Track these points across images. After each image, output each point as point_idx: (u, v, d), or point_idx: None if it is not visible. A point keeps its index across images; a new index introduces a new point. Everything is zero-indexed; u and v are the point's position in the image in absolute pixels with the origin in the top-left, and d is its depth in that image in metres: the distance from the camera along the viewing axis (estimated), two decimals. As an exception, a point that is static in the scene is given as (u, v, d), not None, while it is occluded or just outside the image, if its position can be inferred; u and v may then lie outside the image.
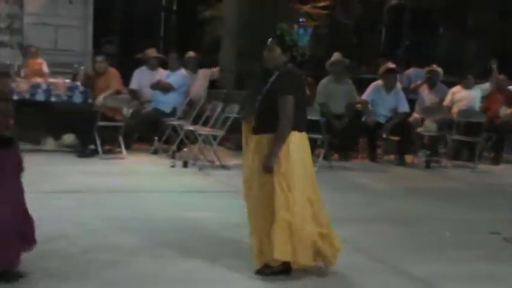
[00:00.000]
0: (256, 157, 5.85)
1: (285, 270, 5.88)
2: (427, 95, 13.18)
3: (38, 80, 12.26)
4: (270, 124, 5.76)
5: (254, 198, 5.92)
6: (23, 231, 5.57)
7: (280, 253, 5.72)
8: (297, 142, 5.84)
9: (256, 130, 5.93)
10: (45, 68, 13.01)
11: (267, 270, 5.87)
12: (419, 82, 13.80)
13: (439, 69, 13.36)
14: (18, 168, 5.67)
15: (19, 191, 5.63)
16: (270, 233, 5.73)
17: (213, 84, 13.89)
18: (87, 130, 11.45)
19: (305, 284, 5.84)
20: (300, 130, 5.87)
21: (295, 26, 15.74)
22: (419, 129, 12.82)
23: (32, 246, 5.61)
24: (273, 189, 5.73)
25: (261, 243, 5.86)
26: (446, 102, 13.38)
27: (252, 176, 5.94)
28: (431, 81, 13.24)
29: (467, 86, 13.38)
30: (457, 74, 14.42)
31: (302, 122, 5.93)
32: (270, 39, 6.00)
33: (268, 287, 5.75)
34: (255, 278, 5.83)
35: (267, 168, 5.70)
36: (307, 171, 5.95)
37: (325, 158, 11.53)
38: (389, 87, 12.68)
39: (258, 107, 5.97)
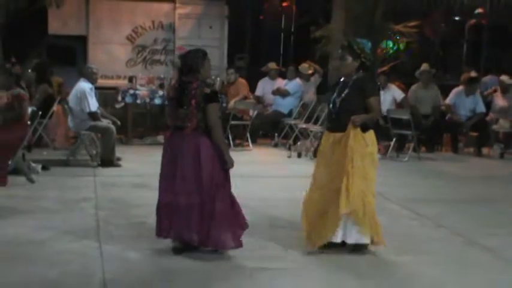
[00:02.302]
0: (337, 151, 5.62)
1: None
2: (500, 99, 12.82)
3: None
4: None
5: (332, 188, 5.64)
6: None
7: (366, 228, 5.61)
8: (364, 136, 5.60)
9: (336, 128, 5.70)
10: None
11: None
12: (491, 89, 13.50)
13: (506, 79, 12.93)
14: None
15: None
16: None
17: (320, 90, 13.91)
18: (222, 128, 11.64)
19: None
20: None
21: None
22: (495, 127, 12.55)
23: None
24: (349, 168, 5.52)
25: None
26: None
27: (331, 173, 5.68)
28: (503, 88, 12.87)
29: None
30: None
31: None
32: (339, 50, 5.83)
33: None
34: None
35: (355, 122, 5.48)
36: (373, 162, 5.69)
37: (414, 150, 11.42)
38: (470, 92, 12.47)
39: (339, 109, 5.68)
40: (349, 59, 5.70)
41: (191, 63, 5.55)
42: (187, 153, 5.43)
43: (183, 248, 5.57)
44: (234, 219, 5.56)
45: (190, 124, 5.43)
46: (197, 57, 5.59)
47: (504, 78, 12.84)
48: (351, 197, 5.46)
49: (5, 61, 11.34)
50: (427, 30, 16.54)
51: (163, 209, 5.56)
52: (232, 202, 5.58)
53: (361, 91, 5.65)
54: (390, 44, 5.65)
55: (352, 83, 5.70)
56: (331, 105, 5.78)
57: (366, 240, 5.65)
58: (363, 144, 5.56)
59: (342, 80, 5.85)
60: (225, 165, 5.50)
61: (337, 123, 5.69)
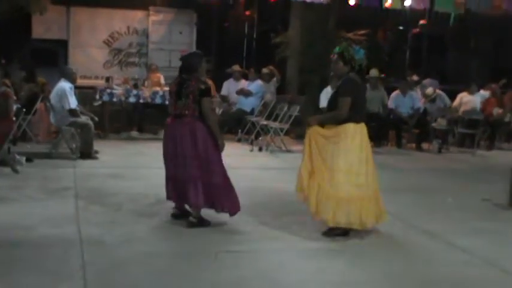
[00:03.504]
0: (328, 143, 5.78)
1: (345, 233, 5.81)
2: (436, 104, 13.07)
3: (157, 88, 12.53)
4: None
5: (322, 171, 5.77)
6: None
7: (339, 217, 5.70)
8: (352, 131, 5.72)
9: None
10: (162, 80, 13.21)
11: (331, 233, 5.81)
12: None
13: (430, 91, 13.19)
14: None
15: None
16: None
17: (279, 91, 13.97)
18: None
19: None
20: (356, 122, 5.75)
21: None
22: (434, 124, 12.72)
23: None
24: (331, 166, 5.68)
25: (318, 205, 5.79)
26: (455, 104, 13.25)
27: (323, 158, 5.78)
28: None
29: (471, 92, 13.25)
30: (462, 84, 14.25)
31: (358, 115, 5.78)
32: (334, 56, 5.92)
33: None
34: (316, 232, 5.90)
35: (309, 122, 5.87)
36: (364, 150, 5.81)
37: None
38: (405, 92, 12.64)
39: (329, 106, 5.98)
40: (341, 64, 5.88)
41: (191, 63, 6.00)
42: (186, 135, 5.83)
43: (180, 214, 6.10)
44: (230, 188, 5.99)
45: (188, 112, 5.83)
46: (196, 59, 6.05)
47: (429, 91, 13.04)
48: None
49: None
50: (380, 36, 16.71)
51: (168, 181, 6.09)
52: (225, 176, 5.99)
53: (339, 91, 5.85)
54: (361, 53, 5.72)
55: (339, 84, 5.93)
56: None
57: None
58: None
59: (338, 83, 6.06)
60: (220, 144, 5.94)
61: None
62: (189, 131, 5.83)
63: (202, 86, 5.87)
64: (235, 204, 5.99)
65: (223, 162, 6.03)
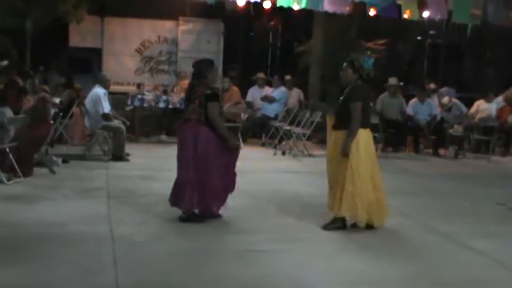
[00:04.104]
0: (336, 145, 5.90)
1: (343, 226, 5.96)
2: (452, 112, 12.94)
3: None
4: (345, 122, 5.83)
5: (333, 171, 5.98)
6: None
7: (344, 211, 5.84)
8: (363, 136, 5.87)
9: (336, 127, 5.99)
10: (190, 87, 13.28)
11: (330, 226, 5.96)
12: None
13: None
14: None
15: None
16: (339, 196, 5.84)
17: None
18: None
19: (363, 234, 5.90)
20: (365, 127, 5.89)
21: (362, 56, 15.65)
22: (450, 131, 12.62)
23: None
24: (346, 168, 5.80)
25: (333, 199, 5.97)
26: (472, 111, 13.13)
27: (332, 156, 5.98)
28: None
29: (488, 100, 13.12)
30: (478, 92, 14.10)
31: (367, 121, 5.95)
32: (344, 64, 6.08)
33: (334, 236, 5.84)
34: (335, 234, 5.91)
35: (344, 154, 5.78)
36: (370, 156, 5.95)
37: (383, 150, 11.47)
38: (422, 100, 12.52)
39: (337, 111, 6.02)
40: (350, 71, 5.97)
41: (200, 70, 6.01)
42: (189, 139, 5.87)
43: (186, 218, 5.99)
44: (223, 193, 6.01)
45: (194, 117, 5.87)
46: (205, 65, 6.04)
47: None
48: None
49: (33, 68, 11.36)
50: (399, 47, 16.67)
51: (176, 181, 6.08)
52: (226, 181, 5.97)
53: (349, 97, 5.88)
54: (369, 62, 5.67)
55: (348, 90, 5.98)
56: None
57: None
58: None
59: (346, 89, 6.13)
60: (231, 147, 5.95)
61: (336, 122, 6.01)
62: (193, 134, 5.86)
63: (208, 91, 5.87)
64: (213, 206, 6.02)
65: (235, 166, 6.07)
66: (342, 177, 5.84)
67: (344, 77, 6.05)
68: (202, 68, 6.03)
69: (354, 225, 6.01)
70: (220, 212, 6.12)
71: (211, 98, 5.85)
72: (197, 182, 5.86)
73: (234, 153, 6.08)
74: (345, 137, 5.82)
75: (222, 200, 6.07)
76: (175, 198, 6.07)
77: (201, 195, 5.89)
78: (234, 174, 6.12)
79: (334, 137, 6.02)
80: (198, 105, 5.83)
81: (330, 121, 6.23)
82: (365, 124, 5.90)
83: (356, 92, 5.91)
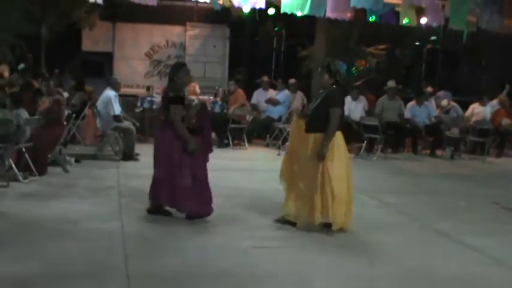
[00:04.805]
0: (309, 148, 5.71)
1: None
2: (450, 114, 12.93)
3: (193, 96, 12.57)
4: (321, 126, 5.67)
5: (302, 174, 5.77)
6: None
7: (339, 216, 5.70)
8: (338, 137, 5.75)
9: (310, 130, 5.76)
10: (197, 89, 13.32)
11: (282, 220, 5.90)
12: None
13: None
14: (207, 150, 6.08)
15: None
16: (312, 198, 5.65)
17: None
18: (223, 130, 11.71)
19: (362, 230, 5.89)
20: (338, 130, 5.78)
21: (363, 62, 15.65)
22: (447, 133, 12.59)
23: None
24: (321, 172, 5.65)
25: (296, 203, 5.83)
26: (467, 114, 13.11)
27: (305, 159, 5.74)
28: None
29: (482, 104, 13.09)
30: (473, 96, 14.09)
31: (340, 124, 5.81)
32: (319, 68, 5.98)
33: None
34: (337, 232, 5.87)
35: (320, 158, 5.61)
36: (346, 155, 5.84)
37: (382, 151, 11.46)
38: (420, 103, 12.48)
39: (312, 114, 5.83)
40: (326, 76, 5.86)
41: (170, 73, 6.05)
42: (157, 139, 6.06)
43: (153, 211, 6.04)
44: (198, 192, 5.87)
45: (162, 118, 5.98)
46: (174, 69, 6.05)
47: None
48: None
49: (48, 72, 11.41)
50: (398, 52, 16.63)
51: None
52: (196, 179, 5.86)
53: (327, 102, 5.76)
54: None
55: (324, 94, 5.87)
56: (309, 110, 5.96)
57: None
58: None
59: (320, 92, 6.01)
60: (188, 148, 5.82)
61: (308, 125, 5.81)
62: (160, 134, 5.96)
63: (171, 94, 5.87)
64: (201, 207, 5.90)
65: (206, 168, 6.00)
66: (317, 182, 5.62)
67: (320, 81, 5.97)
68: (171, 71, 6.06)
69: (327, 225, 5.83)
70: (209, 210, 6.00)
71: (173, 101, 5.83)
72: (167, 180, 5.86)
73: (203, 156, 5.99)
74: (320, 140, 5.66)
75: (198, 200, 5.88)
76: (150, 193, 6.08)
77: (170, 193, 5.86)
78: (206, 176, 5.99)
79: (307, 139, 5.76)
80: (163, 108, 5.97)
81: (297, 122, 6.07)
82: (339, 127, 5.79)
83: (336, 97, 5.80)
